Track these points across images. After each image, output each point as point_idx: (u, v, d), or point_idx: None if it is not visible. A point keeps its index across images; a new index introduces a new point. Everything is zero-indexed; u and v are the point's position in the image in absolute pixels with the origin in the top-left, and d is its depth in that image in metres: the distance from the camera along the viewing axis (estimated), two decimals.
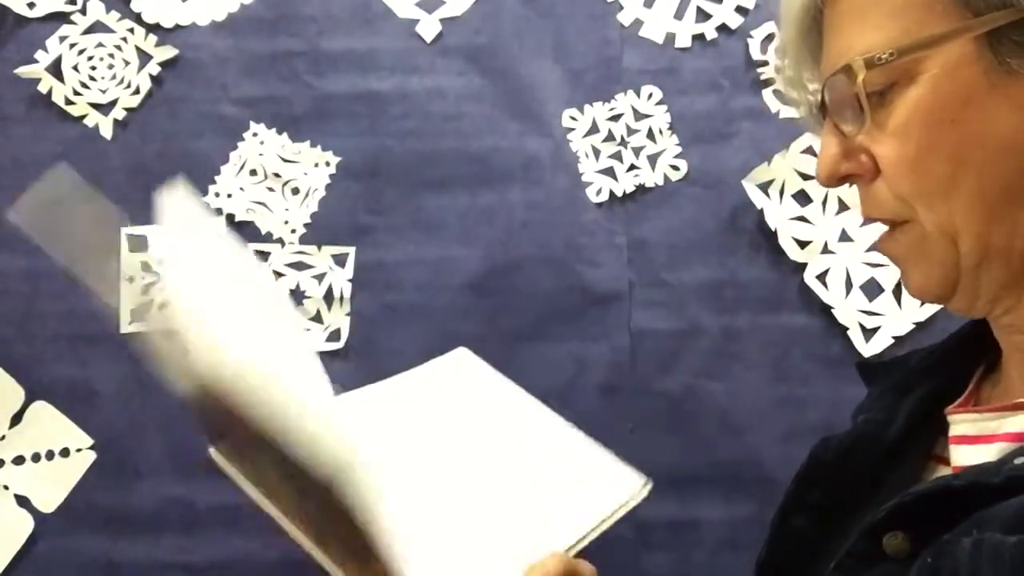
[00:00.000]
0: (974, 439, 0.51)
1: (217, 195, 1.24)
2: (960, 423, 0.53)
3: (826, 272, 1.18)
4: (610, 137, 1.23)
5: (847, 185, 0.52)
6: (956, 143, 0.46)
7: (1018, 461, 0.43)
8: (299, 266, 1.24)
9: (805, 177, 1.20)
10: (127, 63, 1.27)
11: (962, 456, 0.52)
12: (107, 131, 1.26)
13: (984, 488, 0.43)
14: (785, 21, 0.54)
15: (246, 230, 1.24)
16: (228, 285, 0.61)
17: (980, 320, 0.54)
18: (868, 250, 1.18)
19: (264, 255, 1.24)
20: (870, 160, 0.49)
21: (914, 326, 1.17)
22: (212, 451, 0.62)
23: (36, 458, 1.21)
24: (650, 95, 1.23)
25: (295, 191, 1.25)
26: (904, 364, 0.63)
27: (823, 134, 0.52)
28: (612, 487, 0.70)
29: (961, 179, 0.46)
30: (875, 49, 0.47)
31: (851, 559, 0.49)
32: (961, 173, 0.46)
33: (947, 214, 0.47)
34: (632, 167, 1.23)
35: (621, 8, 1.24)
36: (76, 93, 1.26)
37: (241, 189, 1.25)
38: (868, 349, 1.17)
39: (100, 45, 1.27)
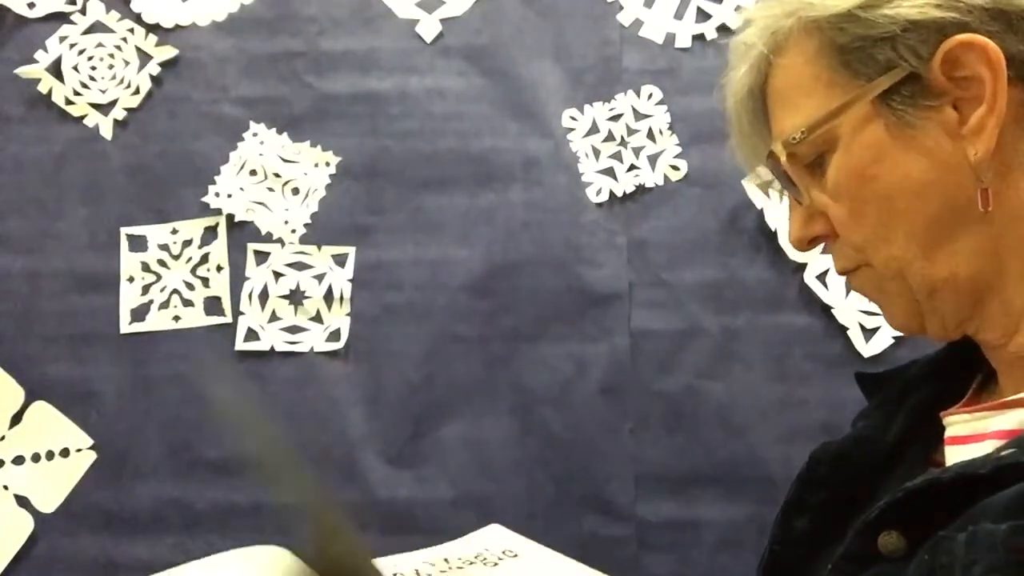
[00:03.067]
0: (966, 439, 0.52)
1: (217, 195, 1.24)
2: (954, 424, 0.54)
3: (826, 272, 1.18)
4: (610, 137, 1.23)
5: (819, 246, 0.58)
6: (880, 194, 0.51)
7: (1006, 452, 0.44)
8: (299, 266, 1.24)
9: None
10: (127, 63, 1.27)
11: (955, 456, 0.52)
12: (107, 131, 1.26)
13: (972, 479, 0.43)
14: (733, 117, 0.59)
15: (246, 230, 1.25)
16: None
17: None
18: None
19: (264, 255, 1.24)
20: (829, 221, 0.55)
21: None
22: None
23: (36, 458, 1.21)
24: (650, 95, 1.23)
25: (295, 191, 1.25)
26: (903, 374, 0.64)
27: (789, 205, 0.58)
28: None
29: (893, 224, 0.51)
30: (795, 130, 0.53)
31: (846, 560, 0.49)
32: (891, 219, 0.51)
33: (890, 256, 0.52)
34: (632, 167, 1.23)
35: (621, 8, 1.24)
36: (76, 93, 1.26)
37: (241, 189, 1.25)
38: (868, 349, 1.17)
39: (100, 45, 1.27)
